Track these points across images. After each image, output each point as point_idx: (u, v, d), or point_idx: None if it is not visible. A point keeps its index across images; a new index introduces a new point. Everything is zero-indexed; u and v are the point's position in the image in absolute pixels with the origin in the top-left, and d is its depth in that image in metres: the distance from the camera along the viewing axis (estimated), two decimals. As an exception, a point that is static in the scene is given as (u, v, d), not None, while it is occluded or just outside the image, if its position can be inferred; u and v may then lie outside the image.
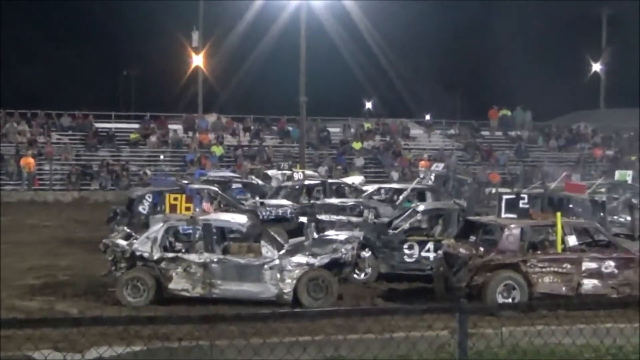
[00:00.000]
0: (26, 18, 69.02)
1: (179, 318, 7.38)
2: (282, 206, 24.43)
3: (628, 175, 32.43)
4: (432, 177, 34.91)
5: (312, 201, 25.43)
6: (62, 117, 50.78)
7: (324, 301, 16.02)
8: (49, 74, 67.98)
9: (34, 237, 26.46)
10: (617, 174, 33.15)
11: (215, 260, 16.35)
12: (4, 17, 63.25)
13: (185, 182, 27.77)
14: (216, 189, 25.20)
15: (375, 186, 30.48)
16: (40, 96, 56.96)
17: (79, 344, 11.64)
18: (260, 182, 32.40)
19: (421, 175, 38.49)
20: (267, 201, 25.49)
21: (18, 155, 44.45)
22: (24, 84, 64.85)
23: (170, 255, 16.51)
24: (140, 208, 23.21)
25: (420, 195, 26.61)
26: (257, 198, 26.21)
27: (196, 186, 25.66)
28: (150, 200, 23.31)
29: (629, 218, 22.85)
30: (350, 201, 24.55)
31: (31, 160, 43.50)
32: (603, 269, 16.15)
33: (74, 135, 49.44)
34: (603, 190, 28.69)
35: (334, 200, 24.63)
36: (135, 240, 16.77)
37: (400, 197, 25.41)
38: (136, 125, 52.08)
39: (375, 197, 27.79)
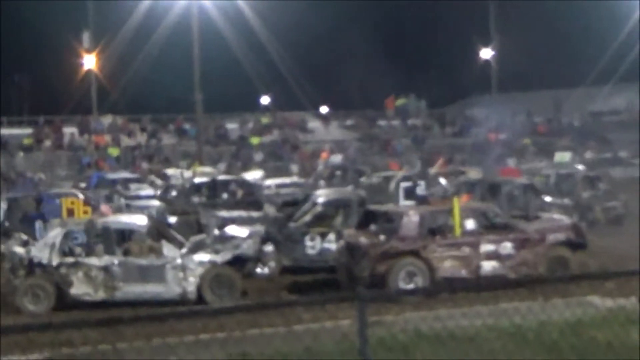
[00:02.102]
0: None
1: (75, 322, 7.25)
2: (149, 207, 24.30)
3: (567, 157, 32.90)
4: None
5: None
6: (-48, 125, 49.70)
7: (228, 298, 16.01)
8: None
9: None
10: (557, 156, 33.59)
11: (116, 262, 16.20)
12: None
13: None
14: (77, 192, 25.16)
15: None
16: None
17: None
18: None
19: (320, 167, 38.80)
20: (132, 203, 25.46)
21: None
22: None
23: (70, 260, 16.28)
24: None
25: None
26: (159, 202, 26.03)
27: (55, 191, 25.66)
28: (4, 207, 23.26)
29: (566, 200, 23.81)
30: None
31: None
32: (501, 251, 16.51)
33: (-36, 143, 48.31)
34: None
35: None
36: (32, 247, 16.53)
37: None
38: (30, 130, 51.11)
39: None
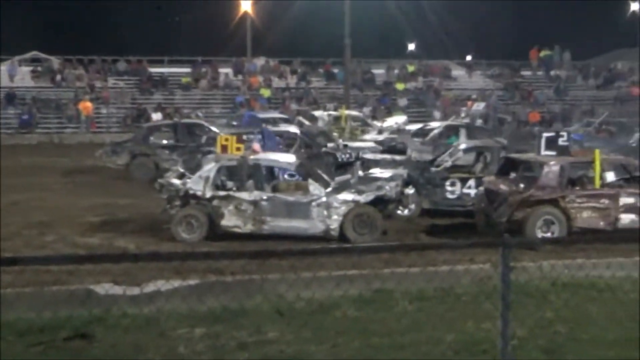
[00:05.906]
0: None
1: (233, 253, 7.86)
2: None
3: None
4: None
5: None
6: (118, 62, 51.86)
7: (369, 236, 16.41)
8: (102, 21, 69.04)
9: (94, 178, 26.96)
10: None
11: (265, 198, 16.78)
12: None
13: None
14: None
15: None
16: (95, 42, 58.08)
17: (138, 278, 12.19)
18: None
19: (462, 114, 38.98)
20: None
21: (77, 99, 45.78)
22: (80, 31, 65.98)
23: (222, 193, 16.94)
24: None
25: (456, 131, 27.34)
26: None
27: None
28: None
29: None
30: None
31: (89, 104, 44.95)
32: None
33: (129, 79, 50.55)
34: None
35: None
36: (188, 180, 17.30)
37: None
38: (188, 70, 52.89)
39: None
